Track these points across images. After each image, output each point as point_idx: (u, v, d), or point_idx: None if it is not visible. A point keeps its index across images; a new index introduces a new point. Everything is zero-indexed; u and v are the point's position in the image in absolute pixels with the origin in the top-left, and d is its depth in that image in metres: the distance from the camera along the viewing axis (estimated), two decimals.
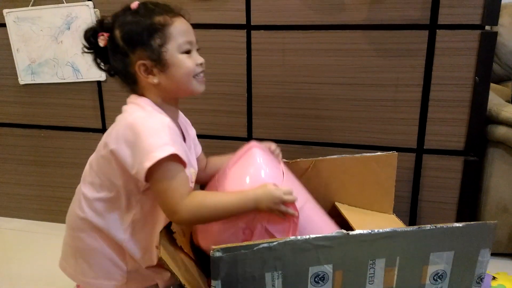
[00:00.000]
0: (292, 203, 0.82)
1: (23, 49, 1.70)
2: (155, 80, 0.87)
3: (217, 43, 1.57)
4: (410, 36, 1.41)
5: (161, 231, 0.86)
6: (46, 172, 1.87)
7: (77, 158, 1.82)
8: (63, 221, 1.91)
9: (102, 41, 0.90)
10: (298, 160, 1.07)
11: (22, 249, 1.74)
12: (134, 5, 0.89)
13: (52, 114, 1.57)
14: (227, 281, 0.74)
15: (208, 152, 1.70)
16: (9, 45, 1.71)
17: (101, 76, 1.67)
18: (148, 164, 0.77)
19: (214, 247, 0.72)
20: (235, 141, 1.67)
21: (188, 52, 0.89)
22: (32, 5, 1.64)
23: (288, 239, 0.73)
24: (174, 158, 0.78)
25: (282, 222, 0.83)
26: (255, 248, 0.73)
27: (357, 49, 1.45)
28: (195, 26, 1.54)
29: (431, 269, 0.80)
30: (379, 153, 1.06)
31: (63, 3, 1.59)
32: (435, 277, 0.80)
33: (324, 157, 1.07)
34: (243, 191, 0.83)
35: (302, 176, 1.08)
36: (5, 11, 1.67)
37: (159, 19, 0.87)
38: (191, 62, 0.89)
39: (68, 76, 1.68)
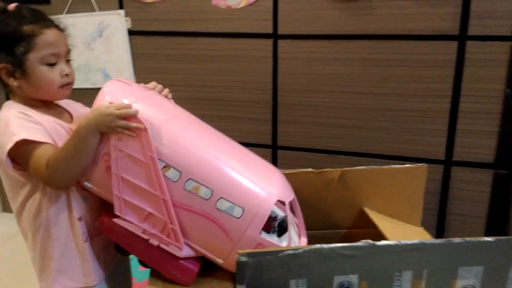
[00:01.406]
0: (132, 116, 0.80)
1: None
2: (15, 83, 0.88)
3: (243, 51, 1.59)
4: (439, 47, 1.39)
5: None
6: None
7: None
8: None
9: None
10: (325, 170, 1.07)
11: None
12: (11, 6, 0.89)
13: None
14: (252, 286, 0.74)
15: None
16: None
17: None
18: (3, 157, 0.83)
19: (239, 251, 0.72)
20: (260, 148, 1.67)
21: (52, 64, 0.87)
22: (66, 13, 1.70)
23: (313, 247, 0.72)
24: (24, 142, 0.82)
25: (132, 139, 0.80)
26: (279, 255, 0.73)
27: (385, 59, 1.44)
28: (222, 35, 1.59)
29: (459, 284, 0.78)
30: (408, 165, 1.04)
31: (96, 11, 1.65)
32: None
33: (352, 168, 1.06)
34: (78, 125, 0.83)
35: (328, 186, 1.07)
36: None
37: (27, 28, 0.86)
38: (54, 74, 0.87)
39: (99, 82, 1.73)
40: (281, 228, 0.87)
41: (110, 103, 0.82)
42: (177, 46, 1.65)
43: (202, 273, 0.86)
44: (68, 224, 0.91)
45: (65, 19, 1.68)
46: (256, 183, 0.84)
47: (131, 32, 1.66)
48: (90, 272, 0.93)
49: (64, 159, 0.82)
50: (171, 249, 0.83)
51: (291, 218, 0.89)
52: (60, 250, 0.92)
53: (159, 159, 0.80)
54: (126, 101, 0.82)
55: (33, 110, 0.89)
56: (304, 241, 0.88)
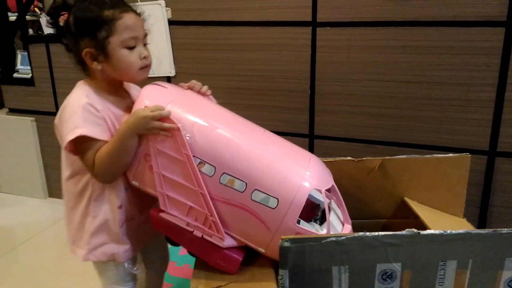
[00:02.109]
0: (165, 117, 0.85)
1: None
2: (99, 67, 0.93)
3: (281, 40, 1.59)
4: (485, 34, 1.34)
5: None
6: None
7: None
8: None
9: (61, 20, 0.94)
10: (365, 158, 1.06)
11: None
12: None
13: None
14: (295, 271, 0.76)
15: None
16: None
17: (170, 72, 1.75)
18: (64, 144, 0.91)
19: (283, 237, 0.74)
20: (297, 137, 1.68)
21: (132, 47, 0.92)
22: None
23: (356, 235, 0.73)
24: (84, 137, 0.88)
25: (168, 138, 0.85)
26: (322, 241, 0.74)
27: (428, 46, 1.41)
28: (261, 23, 1.59)
29: (506, 275, 0.77)
30: (451, 154, 1.02)
31: (138, 2, 1.68)
32: (510, 283, 0.77)
33: (392, 157, 1.05)
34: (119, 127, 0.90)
35: (368, 175, 1.06)
36: None
37: (108, 12, 0.90)
38: (133, 57, 0.92)
39: None
40: (323, 216, 0.88)
41: (146, 106, 0.87)
42: (216, 36, 1.67)
43: (242, 260, 0.88)
44: (109, 209, 0.97)
45: None
46: (290, 173, 0.86)
47: (171, 22, 1.69)
48: (125, 249, 1.00)
49: (107, 158, 0.88)
50: (214, 240, 0.87)
51: (333, 205, 0.90)
52: (96, 228, 0.98)
53: (194, 156, 0.85)
54: (160, 104, 0.87)
55: (100, 98, 0.94)
56: (348, 228, 0.89)
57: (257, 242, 0.87)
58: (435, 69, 1.42)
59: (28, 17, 2.20)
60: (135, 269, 1.08)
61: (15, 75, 2.12)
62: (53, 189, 2.20)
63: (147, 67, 0.95)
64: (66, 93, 0.97)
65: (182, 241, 0.92)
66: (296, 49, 1.58)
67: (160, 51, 1.72)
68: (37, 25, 2.37)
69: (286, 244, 0.74)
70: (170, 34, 1.70)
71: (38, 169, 2.16)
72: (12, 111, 2.17)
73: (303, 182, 0.84)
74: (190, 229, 0.89)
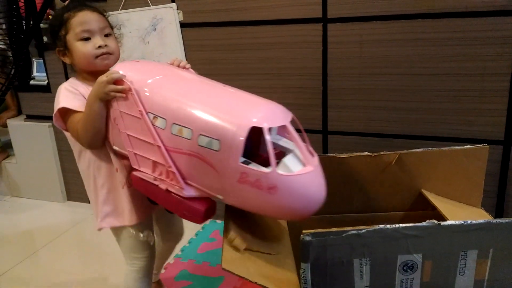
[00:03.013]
0: (118, 80, 0.94)
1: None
2: (67, 60, 1.10)
3: (292, 37, 1.60)
4: (498, 23, 1.34)
5: (223, 243, 0.89)
6: None
7: None
8: None
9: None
10: (382, 153, 1.07)
11: None
12: (66, 2, 1.12)
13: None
14: (317, 265, 0.77)
15: None
16: None
17: None
18: (54, 119, 1.06)
19: (304, 231, 0.75)
20: (310, 133, 1.68)
21: (86, 39, 1.05)
22: (122, 9, 1.78)
23: (377, 228, 0.74)
24: (64, 110, 1.03)
25: (125, 99, 0.94)
26: (344, 235, 0.75)
27: (440, 38, 1.41)
28: (271, 22, 1.60)
29: None
30: (468, 146, 1.02)
31: (150, 6, 1.71)
32: None
33: (409, 150, 1.05)
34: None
35: (385, 169, 1.07)
36: None
37: (66, 15, 1.06)
38: (87, 47, 1.05)
39: None
40: (282, 156, 0.86)
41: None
42: (227, 36, 1.68)
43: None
44: (109, 174, 1.08)
45: (121, 15, 1.77)
46: (230, 114, 0.86)
47: (182, 25, 1.71)
48: (130, 213, 1.10)
49: (82, 125, 1.00)
50: (176, 191, 0.91)
51: (290, 146, 0.88)
52: (105, 196, 1.10)
53: (148, 112, 0.91)
54: (123, 71, 0.96)
55: (83, 83, 1.09)
56: (308, 169, 0.84)
57: (213, 189, 0.88)
58: (448, 60, 1.42)
59: (42, 25, 2.24)
60: (148, 238, 1.17)
61: (31, 82, 2.17)
62: (72, 193, 2.24)
63: (103, 54, 1.06)
64: None
65: (156, 198, 0.96)
66: (308, 46, 1.59)
67: (173, 54, 1.74)
68: (56, 38, 2.42)
69: (308, 238, 0.75)
70: (182, 37, 1.72)
71: (57, 174, 2.20)
72: (30, 117, 2.22)
73: (242, 121, 0.82)
74: (157, 183, 0.93)
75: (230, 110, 0.87)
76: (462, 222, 0.73)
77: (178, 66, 1.10)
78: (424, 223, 0.74)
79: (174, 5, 1.68)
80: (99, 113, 0.97)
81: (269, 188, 0.81)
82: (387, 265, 0.78)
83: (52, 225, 2.02)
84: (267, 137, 0.80)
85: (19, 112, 2.44)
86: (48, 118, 2.15)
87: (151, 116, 0.91)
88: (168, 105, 0.90)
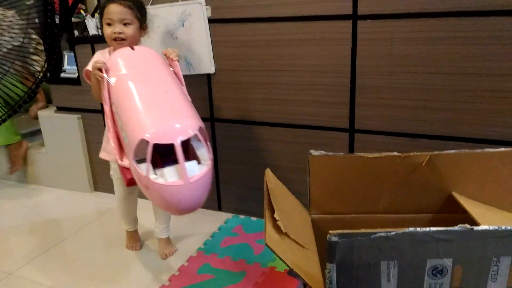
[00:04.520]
0: (101, 68, 1.27)
1: (143, 45, 1.86)
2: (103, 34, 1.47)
3: (321, 34, 1.58)
4: None
5: (265, 219, 0.92)
6: None
7: None
8: None
9: None
10: (412, 154, 1.05)
11: None
12: None
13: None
14: (342, 266, 0.76)
15: (309, 142, 1.73)
16: None
17: (210, 69, 1.78)
18: (83, 74, 1.47)
19: (331, 231, 0.75)
20: (337, 132, 1.67)
21: (109, 24, 1.41)
22: (151, 4, 1.79)
23: (406, 230, 0.73)
24: (88, 70, 1.42)
25: (105, 84, 1.26)
26: (372, 237, 0.74)
27: (474, 37, 1.37)
28: (300, 18, 1.59)
29: None
30: (502, 148, 0.99)
31: (178, 1, 1.72)
32: None
33: (440, 152, 1.03)
34: None
35: (415, 170, 1.05)
36: None
37: (103, 4, 1.44)
38: (108, 31, 1.42)
39: (182, 70, 1.80)
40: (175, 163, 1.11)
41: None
42: (255, 32, 1.68)
43: None
44: (110, 122, 1.31)
45: (150, 10, 1.78)
46: (138, 121, 1.13)
47: (210, 20, 1.72)
48: (113, 154, 1.33)
49: (91, 87, 1.41)
50: (119, 161, 1.26)
51: (180, 158, 1.06)
52: (105, 136, 1.56)
53: (111, 98, 1.25)
54: (115, 60, 1.29)
55: (111, 53, 1.41)
56: (177, 183, 1.08)
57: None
58: (482, 60, 1.37)
59: (73, 19, 2.28)
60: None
61: (62, 75, 2.22)
62: (99, 184, 2.29)
63: (116, 39, 1.42)
64: None
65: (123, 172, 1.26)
66: (336, 43, 1.57)
67: (200, 49, 1.75)
68: (82, 26, 2.45)
69: (334, 238, 0.75)
70: (210, 32, 1.73)
71: (85, 164, 2.25)
72: (60, 109, 2.27)
73: (139, 132, 1.09)
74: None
75: (141, 119, 1.13)
76: (496, 227, 0.71)
77: (168, 57, 1.38)
78: (455, 227, 0.72)
79: (202, 0, 1.68)
80: (95, 84, 1.36)
81: (145, 186, 1.12)
82: (415, 268, 0.76)
83: (78, 215, 2.07)
84: (149, 149, 1.06)
85: (47, 103, 2.51)
86: (78, 110, 2.20)
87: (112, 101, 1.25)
88: (118, 98, 1.22)
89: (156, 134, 1.08)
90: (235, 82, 1.78)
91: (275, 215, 0.92)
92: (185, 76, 1.81)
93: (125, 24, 1.41)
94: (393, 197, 1.11)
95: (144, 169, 1.09)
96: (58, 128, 2.26)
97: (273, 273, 1.52)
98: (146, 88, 1.21)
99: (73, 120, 2.20)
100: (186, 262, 1.62)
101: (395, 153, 1.05)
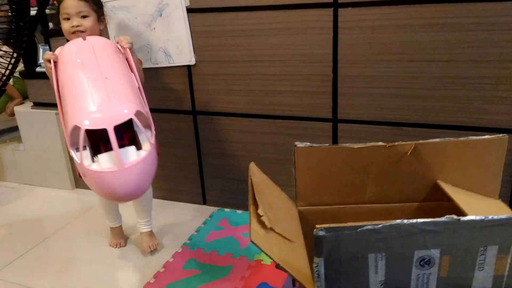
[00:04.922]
0: (47, 60, 1.31)
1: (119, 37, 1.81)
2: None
3: (302, 23, 1.56)
4: None
5: (250, 215, 0.91)
6: None
7: (168, 138, 1.92)
8: (160, 197, 1.96)
9: None
10: (397, 143, 1.04)
11: None
12: None
13: (147, 97, 1.70)
14: (330, 259, 0.75)
15: (292, 134, 1.72)
16: (107, 33, 1.84)
17: (190, 60, 1.74)
18: None
19: (318, 226, 0.73)
20: (320, 122, 1.66)
21: (67, 18, 1.43)
22: None
23: (393, 223, 0.72)
24: None
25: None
26: (358, 230, 0.73)
27: (454, 23, 1.36)
28: (280, 7, 1.56)
29: None
30: (486, 136, 0.99)
31: None
32: None
33: (425, 141, 1.02)
34: None
35: (400, 159, 1.04)
36: (103, 1, 1.78)
37: (57, 1, 1.47)
38: (66, 25, 1.44)
39: (161, 61, 1.77)
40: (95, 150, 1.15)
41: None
42: (235, 22, 1.64)
43: None
44: None
45: (126, 1, 1.73)
46: (75, 107, 1.14)
47: (189, 10, 1.67)
48: None
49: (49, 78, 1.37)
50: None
51: (114, 144, 1.05)
52: None
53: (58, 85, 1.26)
54: (66, 50, 1.31)
55: None
56: (111, 169, 1.07)
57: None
58: (463, 46, 1.37)
59: (47, 11, 2.21)
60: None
61: (38, 69, 2.15)
62: (80, 180, 2.23)
63: (75, 33, 1.43)
64: None
65: None
66: (317, 32, 1.55)
67: (179, 40, 1.71)
68: (57, 18, 2.38)
69: (321, 233, 0.73)
70: (189, 23, 1.69)
71: (65, 161, 2.20)
72: (37, 104, 2.20)
73: (73, 118, 1.11)
74: None
75: (75, 106, 1.15)
76: (483, 217, 0.71)
77: (120, 44, 1.38)
78: (442, 219, 0.71)
79: None
80: (49, 73, 1.34)
81: (83, 174, 1.14)
82: (403, 260, 0.76)
83: (60, 213, 2.03)
84: (81, 135, 1.07)
85: (23, 99, 2.44)
86: (55, 105, 2.13)
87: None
88: (61, 86, 1.24)
89: (89, 120, 1.09)
90: (216, 74, 1.75)
91: (259, 211, 0.91)
92: (164, 68, 1.80)
93: (82, 17, 1.44)
94: (379, 186, 1.11)
95: (78, 156, 1.11)
96: (36, 124, 2.20)
97: (260, 266, 1.51)
98: (86, 75, 1.20)
99: (50, 116, 2.14)
100: (171, 258, 1.60)
101: (380, 143, 1.05)
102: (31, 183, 2.34)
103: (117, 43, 1.40)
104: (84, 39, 1.33)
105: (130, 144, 1.15)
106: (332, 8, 1.50)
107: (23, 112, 2.23)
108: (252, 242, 0.81)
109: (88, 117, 1.09)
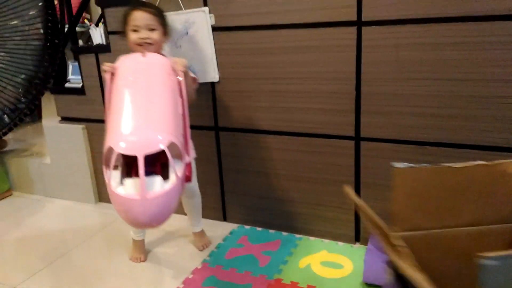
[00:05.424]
0: (104, 71, 1.34)
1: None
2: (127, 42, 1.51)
3: (325, 41, 1.56)
4: None
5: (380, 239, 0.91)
6: None
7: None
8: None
9: None
10: (496, 162, 0.97)
11: None
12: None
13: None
14: None
15: (314, 151, 1.71)
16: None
17: (214, 77, 1.76)
18: None
19: (481, 254, 0.68)
20: (342, 140, 1.65)
21: (135, 30, 1.46)
22: None
23: None
24: None
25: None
26: None
27: (481, 42, 1.34)
28: (304, 25, 1.57)
29: None
30: None
31: (182, 10, 1.71)
32: None
33: None
34: None
35: (499, 178, 0.96)
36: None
37: (127, 11, 1.49)
38: (134, 36, 1.47)
39: None
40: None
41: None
42: (259, 40, 1.67)
43: None
44: None
45: None
46: (113, 129, 1.16)
47: (214, 29, 1.71)
48: None
49: None
50: None
51: (141, 173, 1.07)
52: None
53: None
54: (122, 62, 1.34)
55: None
56: (133, 196, 1.08)
57: None
58: (489, 65, 1.35)
59: (77, 29, 2.29)
60: None
61: (67, 84, 2.22)
62: (103, 194, 2.28)
63: (142, 45, 1.46)
64: None
65: None
66: (341, 50, 1.55)
67: (204, 58, 1.74)
68: (86, 36, 2.46)
69: (489, 262, 0.69)
70: (214, 40, 1.72)
71: (89, 175, 2.24)
72: (64, 119, 2.27)
73: (110, 139, 1.15)
74: None
75: (115, 127, 1.17)
76: None
77: (174, 67, 1.35)
78: None
79: (206, 8, 1.68)
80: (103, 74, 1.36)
81: (110, 193, 1.14)
82: None
83: (83, 226, 2.05)
84: (113, 157, 1.11)
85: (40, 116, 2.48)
86: (82, 120, 2.19)
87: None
88: (112, 101, 1.26)
89: (123, 144, 1.11)
90: (239, 90, 1.76)
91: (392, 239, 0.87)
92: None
93: (150, 30, 1.46)
94: (476, 207, 1.04)
95: (109, 175, 1.14)
96: (62, 138, 2.25)
97: (279, 285, 1.49)
98: (132, 96, 1.23)
99: (77, 130, 2.19)
100: (191, 275, 1.59)
101: (480, 162, 1.00)
102: (56, 196, 2.39)
103: (173, 62, 1.38)
104: (145, 55, 1.35)
105: (162, 169, 1.15)
106: (356, 27, 1.50)
107: (51, 126, 2.29)
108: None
109: (123, 141, 1.11)
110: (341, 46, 1.55)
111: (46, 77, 2.21)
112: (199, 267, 1.63)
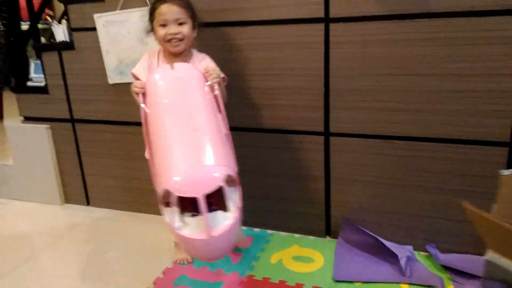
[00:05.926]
0: (135, 92, 1.31)
1: (112, 51, 1.81)
2: (155, 37, 1.45)
3: (294, 38, 1.57)
4: (504, 23, 1.31)
5: None
6: (132, 166, 1.99)
7: None
8: (147, 212, 1.99)
9: None
10: None
11: (111, 236, 1.87)
12: None
13: (139, 111, 1.69)
14: None
15: (284, 147, 1.72)
16: (99, 47, 1.84)
17: None
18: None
19: None
20: (312, 135, 1.66)
21: (163, 25, 1.37)
22: (120, 9, 1.74)
23: None
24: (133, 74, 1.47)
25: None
26: None
27: (445, 38, 1.38)
28: (272, 22, 1.57)
29: None
30: None
31: (148, 6, 1.67)
32: None
33: None
34: None
35: None
36: (95, 15, 1.80)
37: (154, 5, 1.40)
38: (163, 32, 1.38)
39: None
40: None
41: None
42: (228, 37, 1.65)
43: None
44: None
45: (119, 16, 1.74)
46: (166, 168, 1.13)
47: None
48: None
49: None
50: None
51: (204, 212, 1.04)
52: None
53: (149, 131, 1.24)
54: (153, 78, 1.28)
55: (160, 57, 1.47)
56: (198, 236, 1.06)
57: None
58: (454, 61, 1.39)
59: (40, 26, 2.21)
60: None
61: (29, 83, 2.14)
62: (70, 195, 2.21)
63: (170, 40, 1.38)
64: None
65: None
66: (309, 47, 1.56)
67: None
68: (49, 33, 2.38)
69: None
70: None
71: (54, 176, 2.17)
72: (27, 119, 2.19)
73: (165, 180, 1.11)
74: None
75: (167, 166, 1.13)
76: None
77: (208, 79, 1.29)
78: None
79: None
80: (134, 95, 1.34)
81: (174, 234, 1.13)
82: None
83: (49, 228, 1.99)
84: (173, 200, 1.08)
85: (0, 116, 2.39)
86: (46, 119, 2.12)
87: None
88: (152, 129, 1.23)
89: (180, 186, 1.08)
90: None
91: None
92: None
93: (180, 24, 1.37)
94: None
95: (168, 216, 1.11)
96: (26, 138, 2.17)
97: (251, 281, 1.49)
98: (175, 125, 1.18)
99: (41, 130, 2.12)
100: (161, 274, 1.57)
101: None
102: (20, 198, 2.30)
103: (206, 72, 1.31)
104: (173, 67, 1.27)
105: (217, 199, 1.13)
106: (324, 23, 1.51)
107: (13, 126, 2.21)
108: None
109: (179, 183, 1.08)
110: (310, 43, 1.56)
111: (3, 76, 2.12)
112: (170, 267, 1.61)
